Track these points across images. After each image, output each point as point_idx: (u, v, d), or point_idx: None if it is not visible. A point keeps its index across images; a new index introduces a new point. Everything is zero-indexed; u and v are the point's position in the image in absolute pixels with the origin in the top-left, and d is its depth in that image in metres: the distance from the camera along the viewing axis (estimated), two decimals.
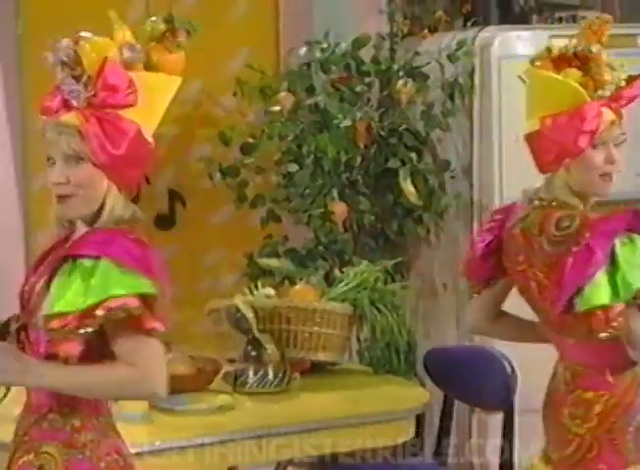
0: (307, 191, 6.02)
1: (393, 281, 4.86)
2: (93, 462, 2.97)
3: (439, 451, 4.83)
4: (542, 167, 3.86)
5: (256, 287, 6.03)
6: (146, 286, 2.86)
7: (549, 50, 4.00)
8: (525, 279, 3.82)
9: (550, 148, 3.81)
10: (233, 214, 6.54)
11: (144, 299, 2.85)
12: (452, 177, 6.11)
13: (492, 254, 3.88)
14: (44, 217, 6.28)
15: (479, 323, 4.17)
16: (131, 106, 3.01)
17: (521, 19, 6.25)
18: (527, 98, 4.17)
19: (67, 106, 3.05)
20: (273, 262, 6.07)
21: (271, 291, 4.63)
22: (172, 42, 3.21)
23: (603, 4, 6.54)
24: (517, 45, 5.94)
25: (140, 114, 3.04)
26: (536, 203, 3.77)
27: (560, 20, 6.36)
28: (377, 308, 4.63)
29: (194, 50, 6.69)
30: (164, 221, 7.11)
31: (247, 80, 6.23)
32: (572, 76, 3.89)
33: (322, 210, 5.94)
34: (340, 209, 5.93)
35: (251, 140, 6.18)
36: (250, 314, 4.33)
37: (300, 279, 5.92)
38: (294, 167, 6.02)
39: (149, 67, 3.12)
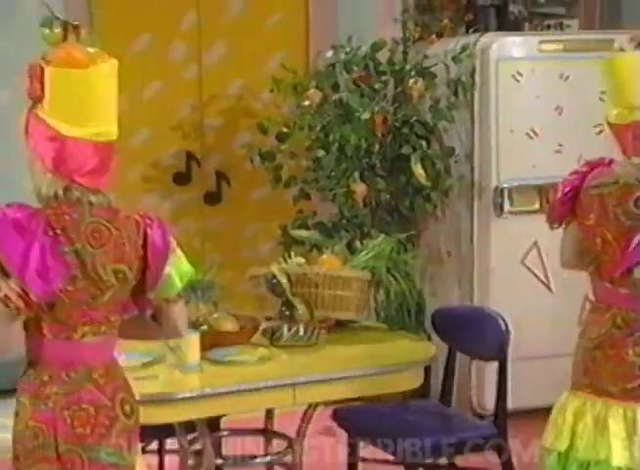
0: (333, 173, 6.06)
1: (406, 251, 4.86)
2: (56, 412, 2.92)
3: (444, 394, 4.83)
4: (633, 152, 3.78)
5: (290, 256, 6.09)
6: None
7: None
8: (591, 233, 3.80)
9: None
10: (270, 193, 6.57)
11: None
12: (456, 162, 6.11)
13: (569, 200, 3.87)
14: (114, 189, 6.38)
15: (569, 259, 4.18)
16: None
17: (515, 26, 6.26)
18: (615, 87, 3.97)
19: None
20: (303, 233, 6.10)
21: (302, 260, 4.63)
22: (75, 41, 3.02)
23: (585, 14, 6.52)
24: (511, 49, 5.95)
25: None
26: (621, 181, 3.72)
27: (548, 27, 6.36)
28: (391, 275, 4.62)
29: (237, 53, 6.84)
30: (213, 198, 7.16)
31: (281, 79, 6.22)
32: None
33: (345, 189, 5.99)
34: (360, 188, 5.96)
35: (285, 130, 6.20)
36: (284, 280, 4.34)
37: (326, 248, 5.97)
38: (321, 153, 6.07)
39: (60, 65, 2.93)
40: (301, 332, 4.29)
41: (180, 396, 3.83)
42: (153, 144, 7.15)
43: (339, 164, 5.99)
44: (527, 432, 4.75)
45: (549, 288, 6.14)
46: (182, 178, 7.17)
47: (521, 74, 5.93)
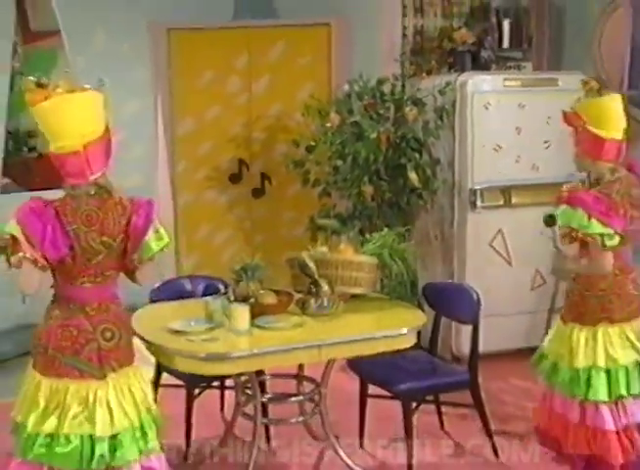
0: (348, 177, 5.95)
1: (404, 241, 4.79)
2: (53, 328, 3.35)
3: (432, 347, 4.77)
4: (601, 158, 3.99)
5: (315, 239, 6.06)
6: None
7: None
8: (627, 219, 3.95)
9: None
10: (300, 190, 6.45)
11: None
12: (441, 169, 6.02)
13: None
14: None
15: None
16: None
17: (485, 67, 6.15)
18: (602, 115, 4.01)
19: None
20: (326, 222, 6.05)
21: (325, 249, 4.54)
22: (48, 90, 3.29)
23: (536, 58, 6.43)
24: (483, 85, 5.86)
25: None
26: (608, 177, 3.98)
27: (509, 67, 6.27)
28: (393, 260, 4.56)
29: (277, 84, 6.77)
30: (258, 193, 7.13)
31: (310, 105, 6.13)
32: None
33: (357, 190, 5.89)
34: (369, 189, 5.86)
35: (312, 143, 6.09)
36: (311, 264, 4.25)
37: (343, 233, 5.92)
38: (339, 162, 5.95)
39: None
40: (325, 304, 4.20)
41: (235, 354, 3.78)
42: (214, 152, 7.13)
43: (352, 170, 5.89)
44: (494, 368, 5.23)
45: (509, 263, 6.07)
46: (235, 178, 7.14)
47: (490, 104, 5.85)
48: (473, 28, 6.31)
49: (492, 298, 5.87)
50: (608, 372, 4.06)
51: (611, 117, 4.01)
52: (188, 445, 4.61)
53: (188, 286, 4.92)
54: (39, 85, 3.30)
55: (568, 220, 3.94)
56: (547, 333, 5.97)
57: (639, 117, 5.97)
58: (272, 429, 4.77)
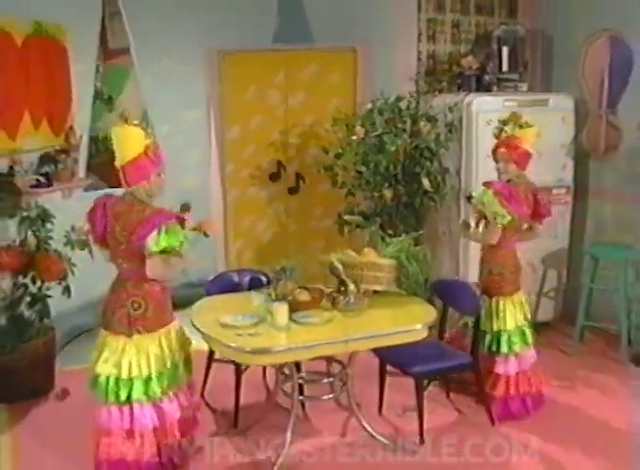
0: (371, 181, 5.83)
1: (418, 245, 4.66)
2: (108, 294, 3.83)
3: (440, 334, 4.73)
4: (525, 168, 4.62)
5: (342, 233, 5.98)
6: None
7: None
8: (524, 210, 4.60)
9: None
10: (329, 189, 6.27)
11: None
12: (449, 176, 5.88)
13: None
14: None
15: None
16: None
17: (487, 88, 5.98)
18: (530, 139, 4.63)
19: None
20: (351, 217, 5.98)
21: (352, 252, 4.44)
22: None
23: (530, 79, 6.26)
24: (486, 105, 5.70)
25: None
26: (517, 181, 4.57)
27: (508, 87, 6.09)
28: (409, 262, 4.47)
29: (310, 98, 6.66)
30: (293, 190, 7.02)
31: (338, 117, 6.01)
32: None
33: (378, 193, 5.78)
34: (388, 193, 5.76)
35: (340, 151, 5.96)
36: (339, 266, 4.20)
37: (366, 228, 5.84)
38: (363, 169, 5.81)
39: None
40: (352, 301, 4.15)
41: (276, 349, 3.74)
42: (256, 155, 7.02)
43: (374, 176, 5.78)
44: None
45: None
46: (274, 177, 7.02)
47: (492, 121, 5.55)
48: (477, 55, 6.13)
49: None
50: (508, 333, 4.58)
51: (532, 140, 4.61)
52: (237, 412, 4.59)
53: (235, 278, 4.89)
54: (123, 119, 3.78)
55: (480, 198, 4.49)
56: (537, 311, 5.99)
57: (618, 124, 5.85)
58: (306, 390, 4.73)
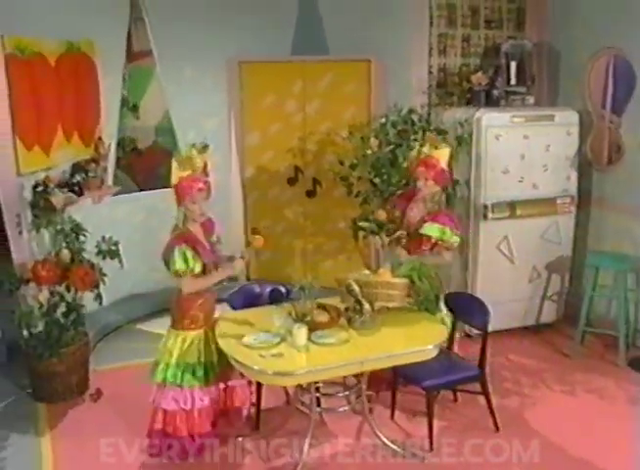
0: (384, 190, 5.83)
1: None
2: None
3: (450, 345, 4.80)
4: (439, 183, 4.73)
5: (356, 238, 6.00)
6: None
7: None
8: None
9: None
10: (346, 198, 6.28)
11: None
12: (459, 187, 5.90)
13: None
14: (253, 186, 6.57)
15: None
16: None
17: (496, 102, 5.97)
18: (446, 159, 4.77)
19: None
20: (365, 223, 5.95)
21: (367, 272, 4.53)
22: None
23: (537, 93, 6.24)
24: (494, 120, 5.71)
25: None
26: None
27: (515, 100, 6.08)
28: (420, 280, 4.55)
29: (326, 107, 6.70)
30: (310, 193, 7.07)
31: (353, 124, 6.04)
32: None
33: (391, 206, 5.74)
34: None
35: (355, 161, 5.97)
36: (356, 287, 4.24)
37: (379, 234, 5.86)
38: (377, 180, 5.82)
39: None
40: (367, 320, 4.20)
41: (297, 372, 3.82)
42: (275, 160, 7.07)
43: (387, 186, 5.78)
44: (498, 345, 5.42)
45: (512, 262, 5.99)
46: (292, 181, 7.08)
47: (500, 135, 5.72)
48: (486, 67, 6.13)
49: (498, 288, 5.94)
50: None
51: (447, 159, 4.74)
52: (258, 416, 4.72)
53: (257, 289, 4.95)
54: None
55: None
56: (540, 313, 6.07)
57: (620, 139, 5.88)
58: (323, 401, 4.81)
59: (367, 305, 4.22)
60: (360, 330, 4.18)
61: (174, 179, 4.12)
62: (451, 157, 4.86)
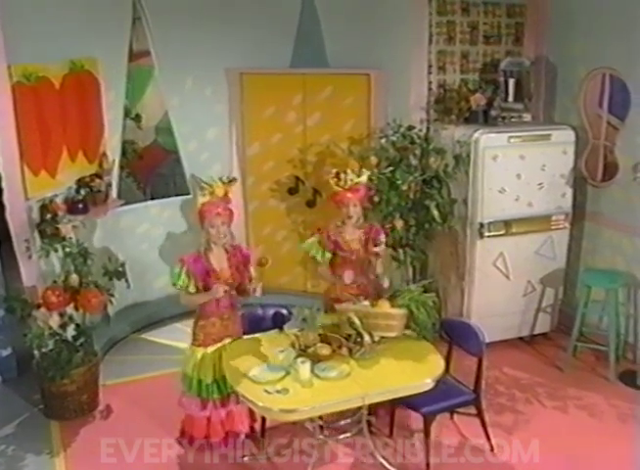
0: (383, 210, 5.96)
1: (426, 292, 4.78)
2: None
3: (447, 368, 4.92)
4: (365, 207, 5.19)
5: None
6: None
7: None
8: None
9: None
10: None
11: None
12: (457, 207, 6.04)
13: None
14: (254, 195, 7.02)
15: None
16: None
17: (493, 122, 6.06)
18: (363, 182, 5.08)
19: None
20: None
21: (367, 303, 4.70)
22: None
23: (533, 112, 6.37)
24: (492, 141, 5.82)
25: None
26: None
27: (512, 117, 6.21)
28: (419, 309, 4.68)
29: (326, 119, 6.80)
30: (310, 203, 7.16)
31: (352, 136, 6.18)
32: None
33: (390, 224, 5.91)
34: (399, 222, 5.92)
35: None
36: (357, 321, 4.42)
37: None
38: (377, 199, 5.93)
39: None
40: (367, 351, 4.39)
41: (301, 409, 4.00)
42: (276, 170, 7.20)
43: (387, 207, 5.91)
44: (493, 357, 5.38)
45: (508, 277, 6.16)
46: (293, 191, 7.18)
47: (497, 156, 5.84)
48: (485, 89, 6.21)
49: (493, 302, 6.12)
50: None
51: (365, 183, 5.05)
52: (263, 435, 4.94)
53: (260, 312, 5.12)
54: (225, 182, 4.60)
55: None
56: (535, 324, 6.28)
57: (615, 158, 6.02)
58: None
59: (367, 337, 4.41)
60: (360, 361, 4.37)
61: (197, 204, 4.55)
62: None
